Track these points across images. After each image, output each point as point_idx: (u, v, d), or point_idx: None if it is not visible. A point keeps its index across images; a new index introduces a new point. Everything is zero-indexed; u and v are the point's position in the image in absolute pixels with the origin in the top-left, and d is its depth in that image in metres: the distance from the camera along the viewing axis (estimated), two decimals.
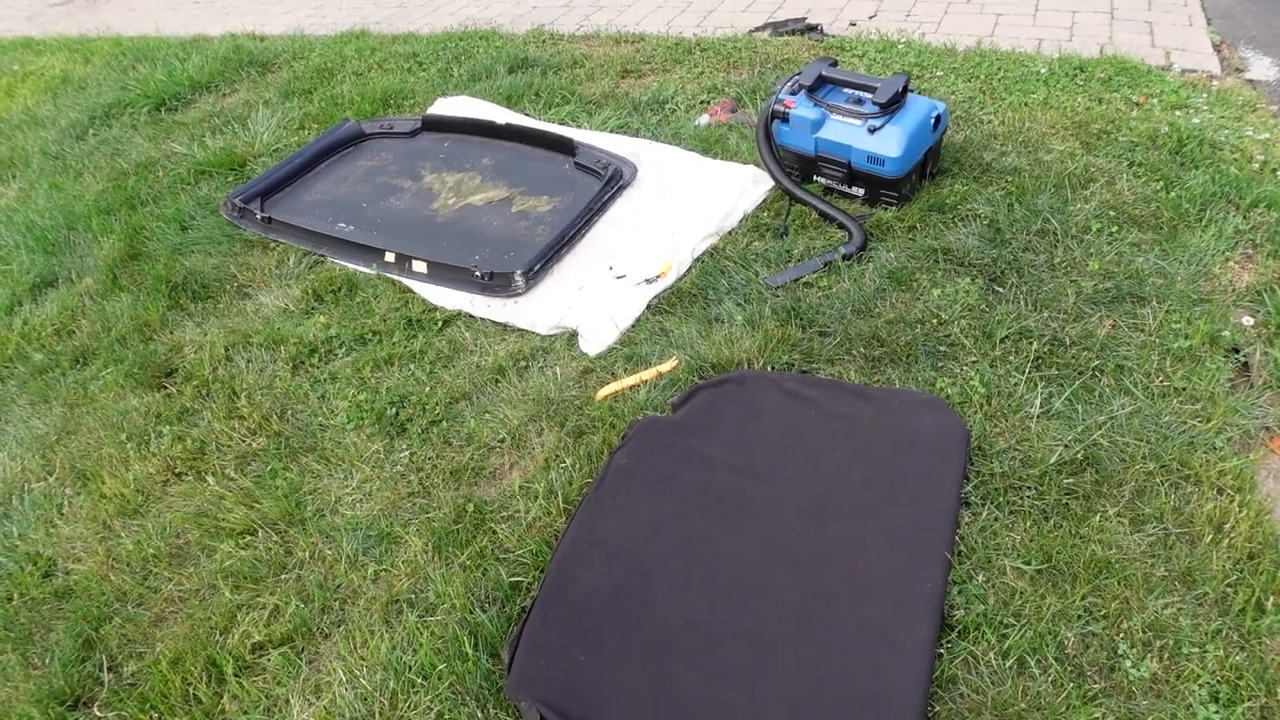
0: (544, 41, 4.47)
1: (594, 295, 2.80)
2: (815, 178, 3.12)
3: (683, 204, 3.14)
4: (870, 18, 4.40)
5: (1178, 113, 3.32)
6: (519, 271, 2.85)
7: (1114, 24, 4.09)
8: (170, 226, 3.43)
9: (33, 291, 3.28)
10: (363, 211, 3.39)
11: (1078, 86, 3.51)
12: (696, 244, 2.93)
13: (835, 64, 3.09)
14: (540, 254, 2.92)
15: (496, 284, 2.87)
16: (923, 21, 4.27)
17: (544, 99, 3.82)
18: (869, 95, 2.93)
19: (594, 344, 2.62)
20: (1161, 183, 2.95)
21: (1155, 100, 3.41)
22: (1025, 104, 3.43)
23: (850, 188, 3.02)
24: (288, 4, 6.10)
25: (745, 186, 3.16)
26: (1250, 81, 3.53)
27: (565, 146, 3.47)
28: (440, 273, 2.96)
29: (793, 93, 3.07)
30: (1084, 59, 3.67)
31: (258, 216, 3.33)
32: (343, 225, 3.31)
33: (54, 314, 3.13)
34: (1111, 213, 2.84)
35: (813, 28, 4.22)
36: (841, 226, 2.90)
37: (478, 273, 2.87)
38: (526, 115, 3.77)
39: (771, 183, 3.14)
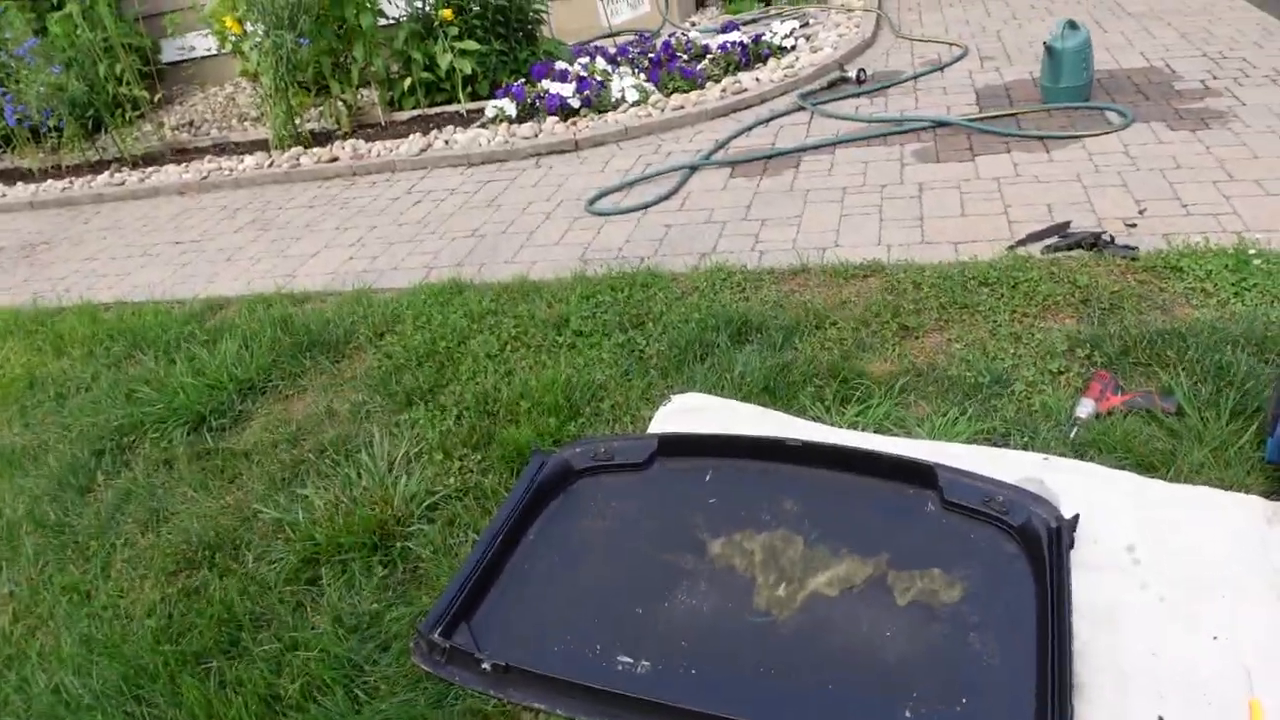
0: (739, 285, 3.43)
1: None
2: None
3: (1185, 573, 2.08)
4: (1141, 213, 3.54)
5: None
6: None
7: None
8: (332, 692, 2.13)
9: None
10: (643, 625, 2.19)
11: None
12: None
13: None
14: (1052, 716, 1.77)
15: None
16: (1218, 214, 3.43)
17: (832, 391, 2.74)
18: None
19: None
20: None
21: None
22: None
23: None
24: (310, 241, 4.93)
25: (1256, 533, 2.12)
26: None
27: (919, 475, 2.38)
28: None
29: None
30: None
31: (483, 666, 2.08)
32: (627, 660, 2.10)
33: None
34: None
35: (1098, 237, 3.31)
36: None
37: None
38: (815, 420, 2.67)
39: None
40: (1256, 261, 3.01)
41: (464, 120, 6.43)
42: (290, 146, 6.37)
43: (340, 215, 5.25)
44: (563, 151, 5.58)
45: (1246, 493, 2.21)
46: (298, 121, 6.49)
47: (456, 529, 2.56)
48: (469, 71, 6.54)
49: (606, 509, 2.55)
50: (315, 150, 6.26)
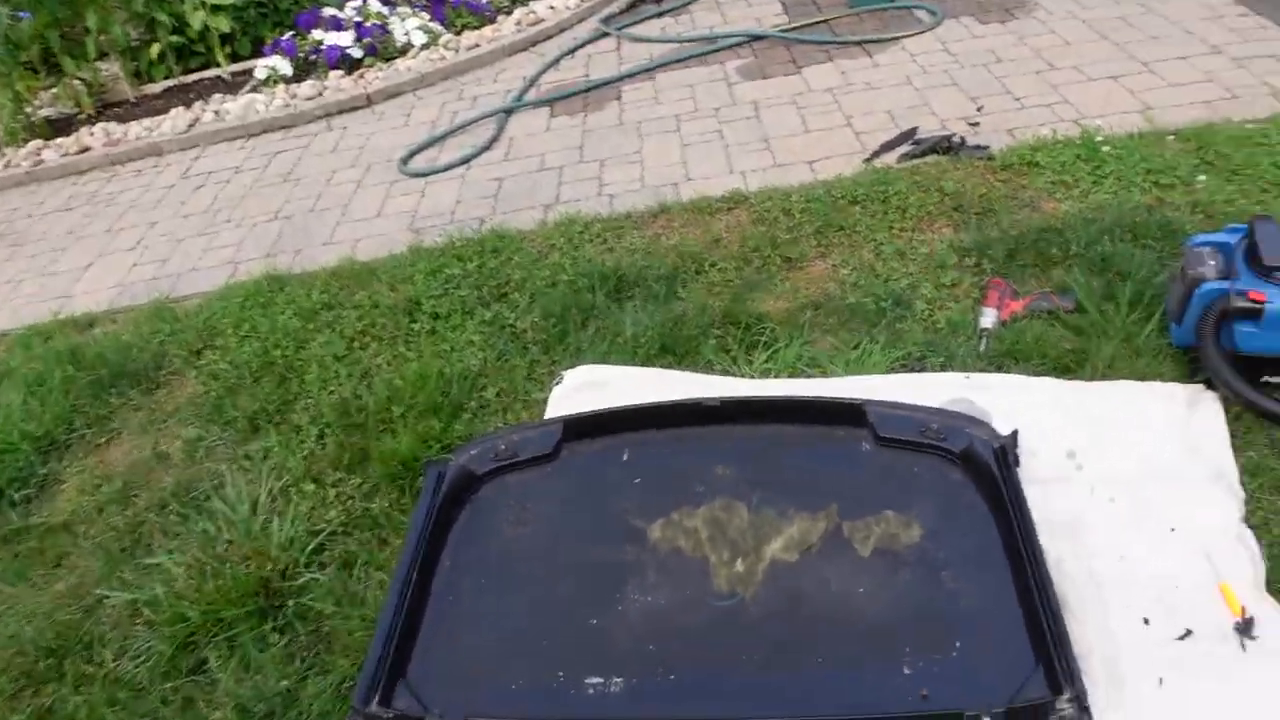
0: (599, 236, 3.21)
1: (1193, 692, 1.69)
2: (1265, 379, 2.21)
3: (1126, 469, 2.12)
4: (979, 110, 3.58)
5: None
6: (1065, 698, 1.66)
7: None
8: None
9: None
10: (602, 636, 2.00)
11: None
12: (1239, 534, 1.92)
13: None
14: (1053, 643, 1.74)
15: None
16: (1050, 104, 3.52)
17: (734, 339, 2.60)
18: None
19: None
20: None
21: None
22: None
23: None
24: (78, 252, 4.24)
25: (1181, 418, 2.19)
26: None
27: (848, 415, 2.29)
28: None
29: (1222, 275, 2.18)
30: None
31: None
32: (597, 681, 1.91)
33: None
34: None
35: (950, 140, 3.32)
36: None
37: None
38: (725, 373, 2.53)
39: (1215, 404, 2.19)
40: (1106, 148, 3.09)
41: (230, 86, 5.74)
42: (26, 141, 5.45)
43: (108, 215, 4.55)
44: (355, 109, 5.08)
45: (1162, 380, 2.26)
46: (29, 110, 5.58)
47: (356, 570, 2.25)
48: (226, 29, 5.84)
49: (523, 513, 2.31)
50: (59, 141, 5.38)
